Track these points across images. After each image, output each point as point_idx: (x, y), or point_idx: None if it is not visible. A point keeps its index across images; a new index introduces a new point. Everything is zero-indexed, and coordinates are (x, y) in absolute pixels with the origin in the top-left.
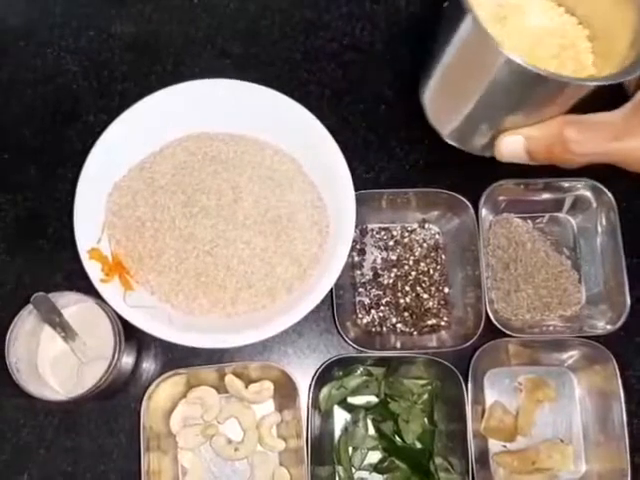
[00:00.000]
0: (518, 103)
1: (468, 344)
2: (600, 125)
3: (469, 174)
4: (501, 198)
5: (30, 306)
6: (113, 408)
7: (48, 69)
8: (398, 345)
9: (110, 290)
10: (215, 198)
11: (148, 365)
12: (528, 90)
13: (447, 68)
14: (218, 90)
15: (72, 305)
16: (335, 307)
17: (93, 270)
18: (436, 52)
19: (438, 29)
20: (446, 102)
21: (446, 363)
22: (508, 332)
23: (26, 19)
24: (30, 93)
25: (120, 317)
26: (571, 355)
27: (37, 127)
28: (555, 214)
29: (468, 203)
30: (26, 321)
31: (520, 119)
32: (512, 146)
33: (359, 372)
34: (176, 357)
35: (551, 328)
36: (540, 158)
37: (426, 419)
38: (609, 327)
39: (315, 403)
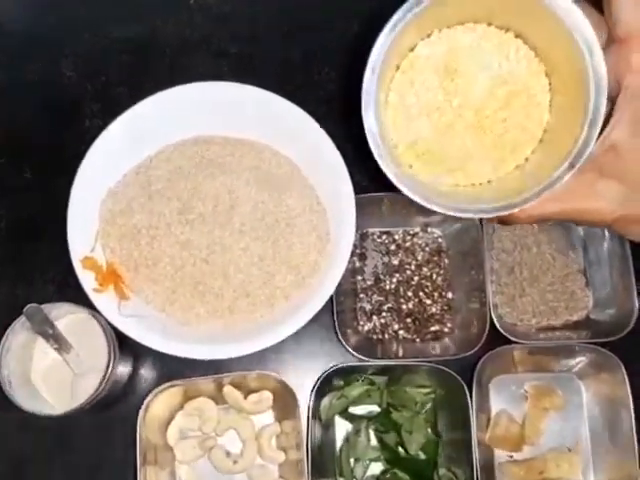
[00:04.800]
0: None
1: (472, 352)
2: None
3: None
4: None
5: (23, 318)
6: (109, 420)
7: (43, 72)
8: (400, 353)
9: (104, 300)
10: (211, 204)
11: (144, 376)
12: None
13: None
14: (214, 93)
15: (65, 316)
16: (335, 314)
17: (86, 280)
18: None
19: None
20: None
21: (450, 371)
22: (513, 339)
23: (21, 22)
24: (25, 97)
25: (114, 328)
26: (578, 362)
27: (31, 132)
28: None
29: None
30: (19, 333)
31: None
32: None
33: (360, 381)
34: (173, 367)
35: (558, 334)
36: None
37: (430, 429)
38: (617, 333)
39: (315, 413)
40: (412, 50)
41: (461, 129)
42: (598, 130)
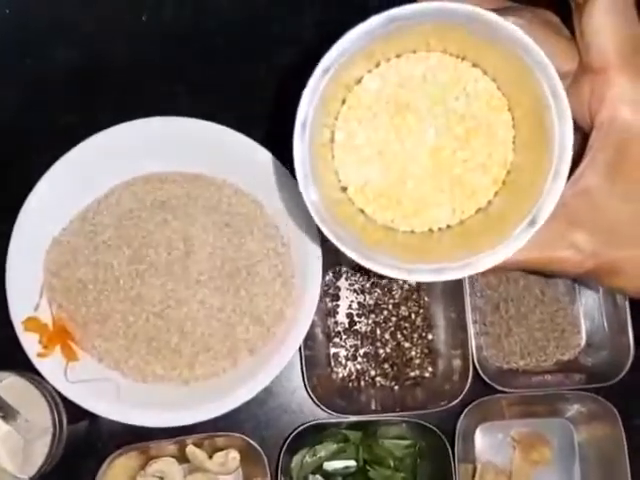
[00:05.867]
0: None
1: (455, 403)
2: None
3: None
4: None
5: None
6: None
7: None
8: (378, 403)
9: (49, 365)
10: (164, 252)
11: (103, 435)
12: None
13: None
14: (168, 128)
15: (7, 380)
16: (304, 363)
17: (29, 343)
18: None
19: None
20: None
21: (431, 426)
22: (500, 387)
23: None
24: None
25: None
26: (570, 408)
27: None
28: None
29: None
30: None
31: None
32: None
33: (334, 437)
34: (133, 426)
35: (548, 378)
36: None
37: None
38: (612, 377)
39: (287, 472)
40: (359, 82)
41: (416, 172)
42: (564, 182)
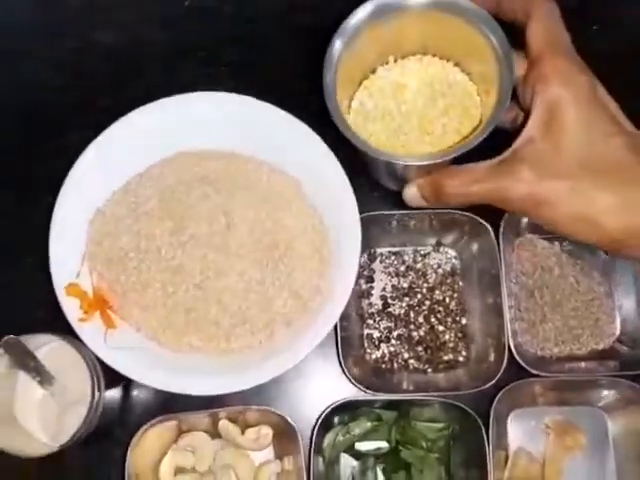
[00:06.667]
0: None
1: (489, 385)
2: (466, 172)
3: None
4: (525, 218)
5: (0, 350)
6: (98, 456)
7: (23, 82)
8: (411, 385)
9: (89, 330)
10: (205, 225)
11: (136, 407)
12: (394, 166)
13: None
14: (207, 104)
15: (47, 345)
16: (340, 343)
17: (70, 308)
18: None
19: None
20: None
21: (465, 407)
22: (534, 371)
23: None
24: (5, 107)
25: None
26: (605, 396)
27: (10, 146)
28: None
29: (488, 226)
30: None
31: (411, 175)
32: (410, 193)
33: (367, 416)
34: (166, 398)
35: (582, 365)
36: (431, 200)
37: (442, 468)
38: None
39: (319, 450)
40: (373, 72)
41: (407, 130)
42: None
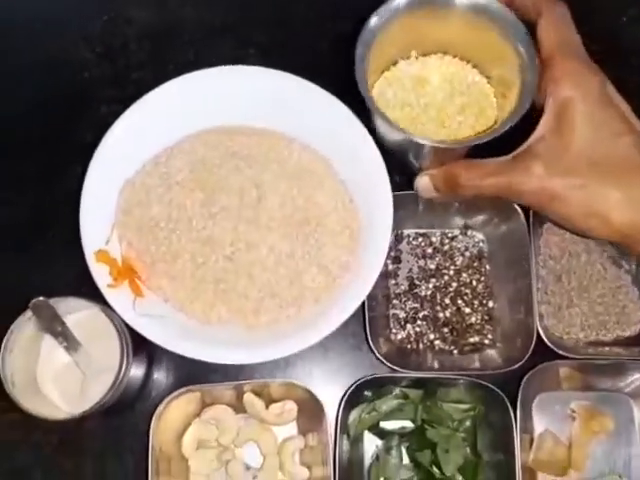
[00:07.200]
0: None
1: (518, 366)
2: (481, 165)
3: None
4: None
5: (29, 312)
6: (119, 427)
7: (57, 55)
8: (436, 365)
9: (118, 296)
10: (237, 197)
11: (159, 379)
12: (420, 149)
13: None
14: (240, 78)
15: (76, 312)
16: (367, 321)
17: (100, 274)
18: None
19: None
20: None
21: (491, 386)
22: (562, 353)
23: (35, 2)
24: (37, 81)
25: (128, 326)
26: (631, 381)
27: (45, 117)
28: None
29: (517, 207)
30: (24, 329)
31: (425, 164)
32: (422, 182)
33: (393, 394)
34: (190, 371)
35: (607, 349)
36: (443, 191)
37: (468, 449)
38: None
39: (343, 427)
40: (394, 65)
41: (425, 121)
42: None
